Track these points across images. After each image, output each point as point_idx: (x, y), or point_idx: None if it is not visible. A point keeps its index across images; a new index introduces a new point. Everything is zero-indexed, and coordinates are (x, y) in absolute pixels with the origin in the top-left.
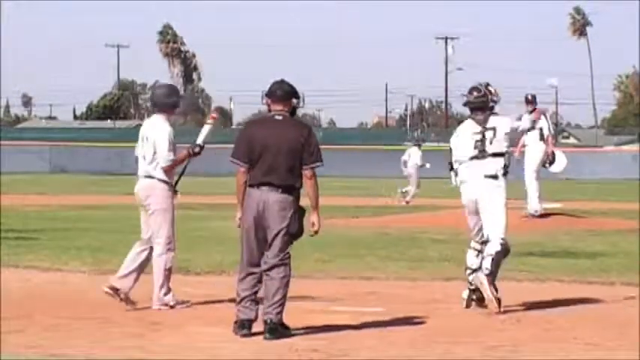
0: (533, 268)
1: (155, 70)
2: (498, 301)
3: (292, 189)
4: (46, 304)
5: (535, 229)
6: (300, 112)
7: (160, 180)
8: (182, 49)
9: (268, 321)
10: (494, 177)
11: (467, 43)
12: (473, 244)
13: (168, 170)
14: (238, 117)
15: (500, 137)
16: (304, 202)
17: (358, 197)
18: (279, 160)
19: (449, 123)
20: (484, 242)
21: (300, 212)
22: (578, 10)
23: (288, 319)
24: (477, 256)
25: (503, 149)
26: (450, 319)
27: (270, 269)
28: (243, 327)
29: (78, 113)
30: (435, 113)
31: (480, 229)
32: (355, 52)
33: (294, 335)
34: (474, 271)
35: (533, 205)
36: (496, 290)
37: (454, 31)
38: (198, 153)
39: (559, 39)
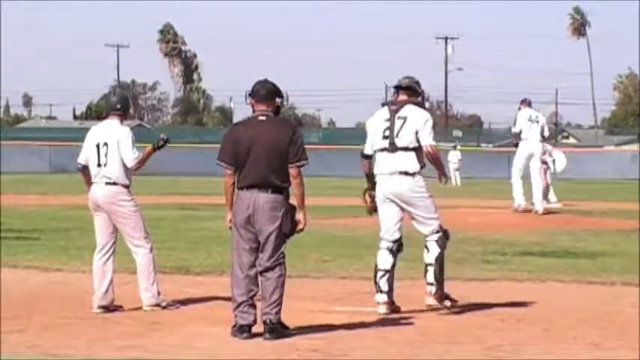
0: (533, 268)
1: (155, 70)
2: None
3: (282, 188)
4: (46, 304)
5: (535, 229)
6: (299, 112)
7: (123, 186)
8: (182, 48)
9: (267, 321)
10: (409, 174)
11: (467, 43)
12: (384, 243)
13: (136, 169)
14: (238, 117)
15: (410, 130)
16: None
17: (358, 197)
18: (267, 160)
19: (449, 123)
20: (396, 241)
21: (291, 211)
22: (577, 10)
23: (289, 319)
24: (389, 254)
25: (413, 144)
26: (450, 319)
27: (265, 270)
28: (243, 331)
29: (78, 113)
30: (435, 113)
31: (394, 227)
32: (355, 52)
33: (294, 335)
34: (387, 272)
35: (519, 199)
36: (448, 299)
37: (454, 31)
38: (163, 146)
39: (559, 39)
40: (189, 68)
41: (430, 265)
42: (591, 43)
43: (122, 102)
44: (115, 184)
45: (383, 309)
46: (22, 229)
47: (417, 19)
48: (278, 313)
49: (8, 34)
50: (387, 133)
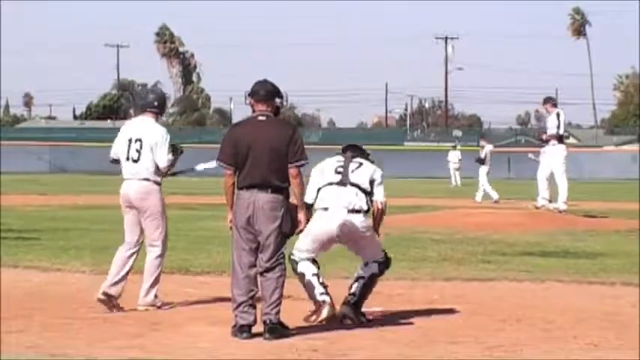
0: (533, 268)
1: (155, 71)
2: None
3: (282, 188)
4: (46, 304)
5: (535, 229)
6: (299, 112)
7: (155, 183)
8: (180, 49)
9: (267, 321)
10: (359, 212)
11: (467, 43)
12: (304, 254)
13: (168, 171)
14: (238, 117)
15: (365, 173)
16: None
17: None
18: (266, 160)
19: (449, 123)
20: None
21: (291, 211)
22: (577, 11)
23: (289, 319)
24: (312, 263)
25: (366, 187)
26: (450, 319)
27: (265, 271)
28: (243, 331)
29: (78, 113)
30: (435, 113)
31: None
32: (355, 52)
33: (294, 335)
34: (316, 274)
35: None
36: (364, 317)
37: (454, 31)
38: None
39: (559, 39)
40: (187, 69)
41: (362, 278)
42: (591, 43)
43: (159, 100)
44: (147, 180)
45: (329, 310)
46: (22, 229)
47: (417, 19)
48: (278, 313)
49: (8, 34)
50: (341, 169)
